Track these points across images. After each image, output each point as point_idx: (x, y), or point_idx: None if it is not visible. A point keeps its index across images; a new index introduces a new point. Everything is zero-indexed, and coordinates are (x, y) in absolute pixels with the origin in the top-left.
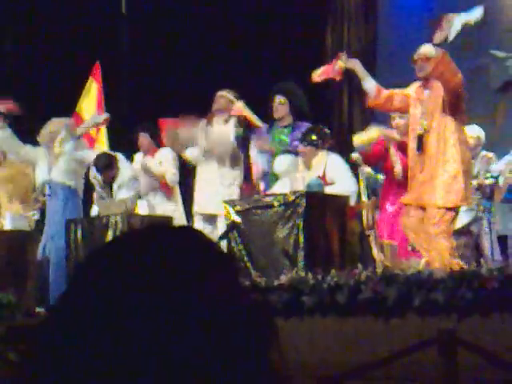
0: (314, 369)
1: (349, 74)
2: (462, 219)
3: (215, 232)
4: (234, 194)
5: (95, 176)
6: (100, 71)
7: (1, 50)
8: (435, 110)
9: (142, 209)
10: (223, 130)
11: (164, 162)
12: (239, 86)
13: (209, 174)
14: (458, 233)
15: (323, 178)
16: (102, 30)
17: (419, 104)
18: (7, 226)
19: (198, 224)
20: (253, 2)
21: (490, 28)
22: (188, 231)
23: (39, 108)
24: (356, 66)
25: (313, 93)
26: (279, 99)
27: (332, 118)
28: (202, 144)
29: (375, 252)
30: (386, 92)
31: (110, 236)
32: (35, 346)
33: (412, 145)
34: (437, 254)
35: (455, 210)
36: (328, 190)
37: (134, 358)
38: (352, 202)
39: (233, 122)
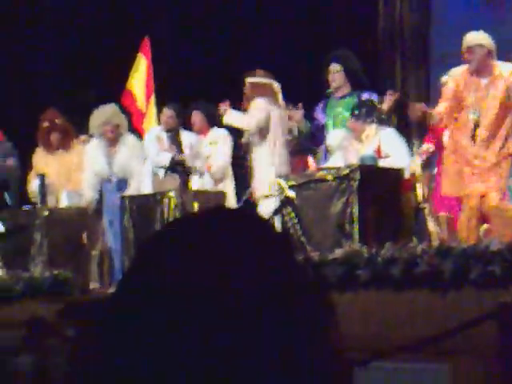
0: (369, 343)
1: (402, 52)
2: None
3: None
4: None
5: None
6: (149, 47)
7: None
8: (493, 102)
9: (195, 184)
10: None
11: (218, 145)
12: (293, 61)
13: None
14: None
15: (378, 152)
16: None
17: (474, 93)
18: (63, 202)
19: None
20: None
21: None
22: (243, 213)
23: (89, 85)
24: (423, 110)
25: (365, 73)
26: (334, 67)
27: (384, 91)
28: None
29: (430, 225)
30: (444, 114)
31: (164, 212)
32: (94, 326)
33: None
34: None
35: None
36: (382, 163)
37: (193, 343)
38: (406, 174)
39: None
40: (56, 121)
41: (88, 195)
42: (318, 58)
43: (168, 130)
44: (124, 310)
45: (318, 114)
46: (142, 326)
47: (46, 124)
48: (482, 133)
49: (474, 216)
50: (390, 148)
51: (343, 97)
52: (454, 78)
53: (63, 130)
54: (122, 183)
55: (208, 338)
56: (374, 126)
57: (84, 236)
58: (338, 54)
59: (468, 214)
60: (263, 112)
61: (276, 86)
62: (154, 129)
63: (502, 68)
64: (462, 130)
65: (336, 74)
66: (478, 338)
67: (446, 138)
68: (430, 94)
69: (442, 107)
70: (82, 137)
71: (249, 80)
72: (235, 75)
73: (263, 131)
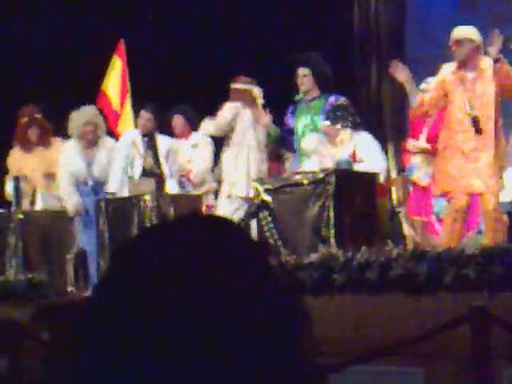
0: (344, 347)
1: (378, 51)
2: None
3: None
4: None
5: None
6: (124, 48)
7: (28, 30)
8: (482, 95)
9: (171, 187)
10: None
11: (198, 148)
12: (264, 62)
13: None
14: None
15: (353, 156)
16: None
17: (461, 86)
18: (38, 204)
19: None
20: None
21: None
22: (216, 220)
23: (65, 88)
24: (406, 81)
25: (340, 70)
26: (302, 71)
27: (360, 95)
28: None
29: (406, 229)
30: (427, 101)
31: (140, 215)
32: (69, 329)
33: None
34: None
35: None
36: (358, 167)
37: (165, 349)
38: (382, 179)
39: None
40: (35, 116)
41: (72, 201)
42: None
43: (144, 135)
44: (99, 315)
45: (288, 119)
46: (116, 331)
47: (25, 119)
48: (480, 127)
49: (459, 218)
50: (365, 152)
51: (312, 100)
52: (441, 73)
53: (42, 126)
54: (98, 186)
55: (181, 343)
56: (348, 131)
57: (59, 239)
58: (306, 57)
59: (454, 215)
60: (227, 114)
61: (256, 91)
62: (130, 132)
63: (484, 63)
64: (456, 126)
65: (304, 77)
66: (452, 341)
67: (422, 141)
68: (405, 98)
69: (427, 96)
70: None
71: (231, 86)
72: (209, 77)
73: (228, 133)
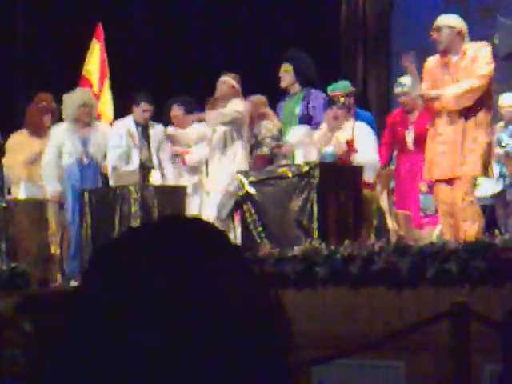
0: (327, 339)
1: (364, 46)
2: (493, 186)
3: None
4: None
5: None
6: (102, 32)
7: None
8: (466, 72)
9: (155, 178)
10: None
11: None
12: (251, 60)
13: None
14: (497, 201)
15: (350, 142)
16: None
17: (446, 70)
18: (21, 195)
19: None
20: None
21: None
22: (197, 223)
23: (45, 74)
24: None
25: (327, 63)
26: (283, 67)
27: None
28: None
29: (389, 222)
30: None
31: (123, 207)
32: (53, 320)
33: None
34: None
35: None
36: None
37: (142, 349)
38: (372, 173)
39: (233, 103)
40: (52, 104)
41: (51, 187)
42: (280, 55)
43: (139, 124)
44: (80, 311)
45: (279, 112)
46: (99, 326)
47: (43, 104)
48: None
49: (445, 210)
50: (362, 143)
51: (294, 94)
52: (426, 66)
53: (55, 115)
54: (93, 164)
55: (157, 343)
56: (351, 118)
57: (43, 229)
58: (289, 53)
59: (439, 207)
60: (242, 111)
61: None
62: (123, 121)
63: (472, 45)
64: (441, 112)
65: (285, 73)
66: (433, 335)
67: (409, 138)
68: (390, 91)
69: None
70: None
71: (226, 80)
72: (197, 70)
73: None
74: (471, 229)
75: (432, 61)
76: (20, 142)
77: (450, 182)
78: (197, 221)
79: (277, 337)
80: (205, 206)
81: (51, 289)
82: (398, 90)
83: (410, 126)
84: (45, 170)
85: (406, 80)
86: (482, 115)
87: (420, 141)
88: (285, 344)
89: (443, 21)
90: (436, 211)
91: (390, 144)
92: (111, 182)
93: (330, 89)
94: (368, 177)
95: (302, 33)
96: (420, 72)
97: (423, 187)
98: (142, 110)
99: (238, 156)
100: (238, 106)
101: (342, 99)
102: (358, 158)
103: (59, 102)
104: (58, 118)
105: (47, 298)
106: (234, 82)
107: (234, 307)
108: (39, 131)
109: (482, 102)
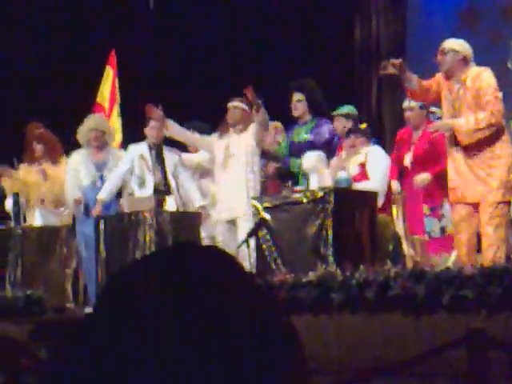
0: (342, 365)
1: (378, 68)
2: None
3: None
4: (253, 193)
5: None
6: (115, 58)
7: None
8: (465, 105)
9: (171, 205)
10: (242, 140)
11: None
12: (266, 82)
13: (225, 183)
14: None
15: (363, 165)
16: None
17: (449, 96)
18: (37, 222)
19: (218, 230)
20: None
21: None
22: (212, 252)
23: (59, 101)
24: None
25: (340, 87)
26: (296, 97)
27: (360, 110)
28: (218, 155)
29: (405, 247)
30: (422, 86)
31: (139, 233)
32: (68, 347)
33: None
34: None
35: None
36: (358, 185)
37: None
38: (380, 200)
39: (252, 128)
40: (38, 131)
41: (72, 195)
42: (293, 79)
43: (152, 148)
44: (98, 335)
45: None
46: (113, 353)
47: (30, 134)
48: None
49: (463, 230)
50: (372, 167)
51: (304, 124)
52: (438, 74)
53: (47, 141)
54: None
55: (169, 372)
56: (366, 144)
57: (58, 255)
58: (301, 83)
59: (456, 228)
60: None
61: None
62: (136, 146)
63: (471, 73)
64: (448, 138)
65: (298, 103)
66: (449, 361)
67: (407, 161)
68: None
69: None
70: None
71: (237, 105)
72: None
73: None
74: (495, 254)
75: (441, 76)
76: (23, 172)
77: (473, 205)
78: (211, 249)
79: (290, 364)
80: (232, 234)
81: (66, 316)
82: (404, 104)
83: (411, 145)
84: (67, 192)
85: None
86: (496, 136)
87: (419, 162)
88: (298, 371)
89: (449, 44)
90: (441, 233)
91: (397, 162)
92: (126, 208)
93: (334, 111)
94: (379, 202)
95: (315, 56)
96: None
97: (426, 210)
98: (150, 127)
99: (252, 182)
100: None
101: (363, 126)
102: (366, 183)
103: (75, 130)
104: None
105: (62, 325)
106: (244, 106)
107: (246, 335)
108: (32, 161)
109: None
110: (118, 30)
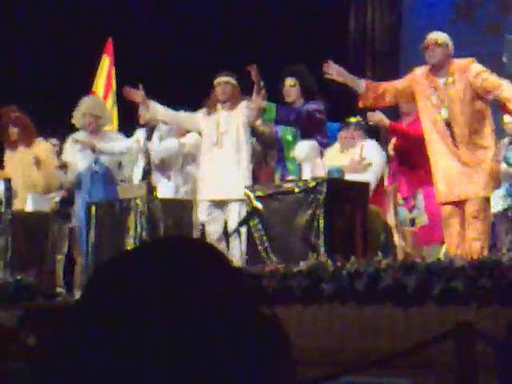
0: (332, 356)
1: (373, 60)
2: (499, 204)
3: (223, 217)
4: (246, 176)
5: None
6: (111, 46)
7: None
8: (455, 99)
9: (163, 191)
10: (233, 118)
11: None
12: (262, 74)
13: (218, 161)
14: (498, 218)
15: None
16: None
17: (433, 91)
18: (29, 207)
19: (204, 211)
20: None
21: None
22: (201, 246)
23: (55, 89)
24: (345, 78)
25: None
26: (289, 82)
27: (354, 103)
28: (208, 133)
29: (396, 239)
30: (377, 89)
31: (130, 219)
32: (56, 333)
33: (432, 135)
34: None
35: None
36: (351, 177)
37: (137, 375)
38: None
39: (243, 105)
40: (13, 115)
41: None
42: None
43: (147, 129)
44: (83, 325)
45: (277, 127)
46: (100, 339)
47: (4, 118)
48: (455, 132)
49: (450, 225)
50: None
51: None
52: (412, 73)
53: (21, 125)
54: (100, 179)
55: (159, 363)
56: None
57: (49, 241)
58: (294, 68)
59: (444, 223)
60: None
61: None
62: (141, 130)
63: (457, 65)
64: (434, 134)
65: (291, 88)
66: (438, 353)
67: (391, 150)
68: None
69: (388, 84)
70: (53, 141)
71: (228, 80)
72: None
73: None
74: (481, 247)
75: (420, 72)
76: (6, 158)
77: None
78: (200, 242)
79: (277, 357)
80: (220, 215)
81: (55, 302)
82: None
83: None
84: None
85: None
86: (485, 125)
87: (402, 149)
88: (285, 364)
89: (442, 37)
90: (411, 225)
91: None
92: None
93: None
94: None
95: (309, 48)
96: None
97: (399, 199)
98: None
99: (245, 162)
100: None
101: (354, 119)
102: (359, 176)
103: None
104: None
105: (52, 310)
106: (234, 81)
107: (233, 328)
108: (10, 145)
109: (484, 116)
110: (115, 17)
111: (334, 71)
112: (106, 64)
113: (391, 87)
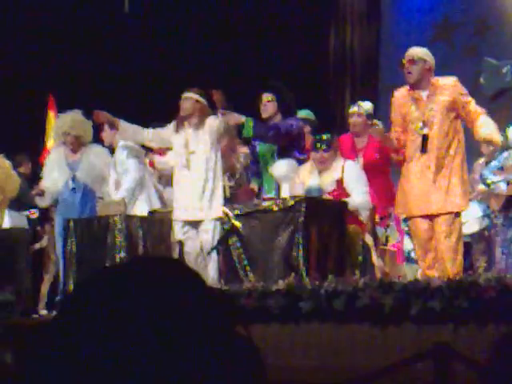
0: (309, 375)
1: (352, 79)
2: (476, 225)
3: (199, 237)
4: (217, 196)
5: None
6: (54, 101)
7: None
8: (437, 112)
9: (141, 209)
10: (200, 136)
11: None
12: (241, 91)
13: (188, 182)
14: (475, 238)
15: (340, 181)
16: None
17: (415, 106)
18: (6, 224)
19: (179, 230)
20: (255, 3)
21: (490, 34)
22: (176, 266)
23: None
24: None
25: (314, 96)
26: (266, 97)
27: (334, 122)
28: (178, 153)
29: (374, 258)
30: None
31: (109, 237)
32: (33, 351)
33: (412, 148)
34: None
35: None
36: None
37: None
38: (365, 214)
39: (211, 122)
40: None
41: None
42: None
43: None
44: (59, 341)
45: (255, 146)
46: (75, 355)
47: None
48: (431, 146)
49: (421, 246)
50: (353, 183)
51: None
52: (394, 102)
53: None
54: (82, 189)
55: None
56: (340, 157)
57: (23, 257)
58: (271, 84)
59: (416, 243)
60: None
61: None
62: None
63: (442, 81)
64: (412, 146)
65: (269, 103)
66: (415, 373)
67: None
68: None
69: (394, 133)
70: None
71: (191, 96)
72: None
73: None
74: (457, 265)
75: (400, 94)
76: None
77: (429, 217)
78: (173, 262)
79: (251, 379)
80: (196, 237)
81: (33, 320)
82: (353, 109)
83: (358, 153)
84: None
85: (363, 103)
86: (457, 147)
87: (369, 168)
88: (255, 381)
89: (419, 53)
90: (386, 243)
91: None
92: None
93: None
94: (364, 217)
95: (289, 65)
96: None
97: (376, 218)
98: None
99: (210, 182)
100: (216, 123)
101: (325, 137)
102: (352, 200)
103: None
104: None
105: (30, 328)
106: (197, 97)
107: (205, 349)
108: None
109: (458, 137)
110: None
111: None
112: (51, 118)
113: (401, 128)
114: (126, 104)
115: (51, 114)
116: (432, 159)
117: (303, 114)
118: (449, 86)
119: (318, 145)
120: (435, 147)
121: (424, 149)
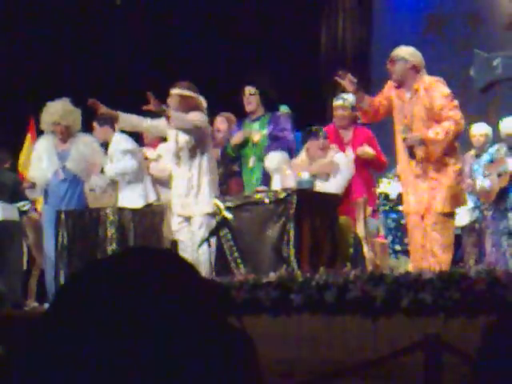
0: (301, 367)
1: (343, 69)
2: (467, 217)
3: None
4: (207, 191)
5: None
6: (34, 125)
7: None
8: (415, 118)
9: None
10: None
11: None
12: (232, 87)
13: (179, 177)
14: (465, 231)
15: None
16: None
17: (399, 107)
18: None
19: (176, 222)
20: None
21: (482, 27)
22: (165, 255)
23: None
24: (355, 87)
25: (306, 89)
26: (249, 90)
27: (325, 115)
28: (172, 148)
29: (365, 251)
30: (374, 104)
31: (100, 229)
32: (24, 343)
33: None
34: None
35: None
36: (320, 185)
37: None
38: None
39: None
40: None
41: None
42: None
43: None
44: (53, 332)
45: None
46: (68, 348)
47: None
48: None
49: (412, 238)
50: (337, 172)
51: (257, 119)
52: (387, 84)
53: None
54: (71, 179)
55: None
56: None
57: (14, 249)
58: (254, 77)
59: (409, 235)
60: (204, 125)
61: (203, 100)
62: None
63: (427, 82)
64: (400, 148)
65: (252, 96)
66: (406, 365)
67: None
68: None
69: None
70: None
71: (176, 92)
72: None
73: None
74: (442, 260)
75: (392, 85)
76: None
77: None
78: (166, 253)
79: (244, 371)
80: (186, 232)
81: (24, 311)
82: (338, 102)
83: (346, 145)
84: (34, 176)
85: (347, 96)
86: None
87: (357, 163)
88: (252, 374)
89: (399, 53)
90: (377, 234)
91: None
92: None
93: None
94: None
95: (280, 60)
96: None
97: (368, 211)
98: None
99: (195, 179)
100: (196, 117)
101: (315, 128)
102: (325, 186)
103: None
104: None
105: (20, 319)
106: (182, 91)
107: (199, 340)
108: None
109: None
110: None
111: (347, 78)
112: (29, 143)
113: (384, 100)
114: (117, 99)
115: (29, 138)
116: (420, 160)
117: (284, 109)
118: (427, 88)
119: (320, 132)
120: (421, 149)
121: (411, 155)
